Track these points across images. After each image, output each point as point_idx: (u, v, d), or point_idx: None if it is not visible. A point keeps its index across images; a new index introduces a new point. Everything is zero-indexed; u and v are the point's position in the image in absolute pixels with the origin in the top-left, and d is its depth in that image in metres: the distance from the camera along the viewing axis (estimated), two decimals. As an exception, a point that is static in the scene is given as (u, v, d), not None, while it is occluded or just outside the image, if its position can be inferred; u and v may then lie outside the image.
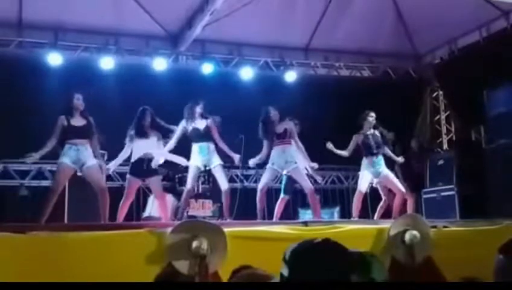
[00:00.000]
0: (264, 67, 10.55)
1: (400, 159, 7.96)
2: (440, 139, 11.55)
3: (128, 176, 6.83)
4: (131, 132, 6.86)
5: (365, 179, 7.51)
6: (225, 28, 9.52)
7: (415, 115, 11.24)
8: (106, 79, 9.15)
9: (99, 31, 9.38)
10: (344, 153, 7.61)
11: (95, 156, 6.34)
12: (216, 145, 7.06)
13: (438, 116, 11.70)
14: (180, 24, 9.65)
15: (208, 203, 8.34)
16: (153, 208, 7.98)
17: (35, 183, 9.15)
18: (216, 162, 6.98)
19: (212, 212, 8.31)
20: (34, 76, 8.79)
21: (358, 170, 8.03)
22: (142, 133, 6.80)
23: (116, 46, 9.49)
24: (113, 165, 6.99)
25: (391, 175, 7.59)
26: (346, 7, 9.90)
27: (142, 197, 8.62)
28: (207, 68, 9.92)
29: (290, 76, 10.43)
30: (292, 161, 7.12)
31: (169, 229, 4.31)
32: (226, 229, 4.39)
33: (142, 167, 6.69)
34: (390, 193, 7.76)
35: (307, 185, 7.12)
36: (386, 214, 7.77)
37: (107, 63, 9.29)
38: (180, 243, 4.17)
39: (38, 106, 8.68)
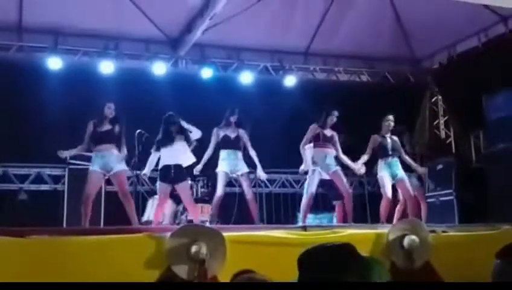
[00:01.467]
0: (263, 71, 10.58)
1: (421, 169, 8.03)
2: (439, 144, 11.55)
3: (158, 182, 6.99)
4: (159, 139, 6.99)
5: (387, 182, 7.41)
6: (225, 33, 9.53)
7: (414, 119, 11.26)
8: (106, 83, 9.16)
9: (99, 35, 9.40)
10: (365, 157, 7.56)
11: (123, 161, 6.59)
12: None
13: (436, 121, 11.72)
14: (179, 28, 9.67)
15: (207, 207, 8.33)
16: (151, 212, 7.98)
17: (34, 187, 9.15)
18: (244, 170, 7.21)
19: (211, 216, 8.30)
20: (34, 80, 8.81)
21: (357, 175, 8.02)
22: (169, 141, 6.92)
23: (116, 51, 9.50)
24: (147, 172, 7.19)
25: (406, 179, 7.54)
26: (345, 12, 9.93)
27: (141, 201, 8.62)
28: (206, 73, 9.93)
29: (290, 80, 10.45)
30: (333, 163, 7.26)
31: (169, 234, 4.31)
32: (225, 234, 4.39)
33: (170, 174, 6.80)
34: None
35: (345, 189, 7.24)
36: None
37: (107, 67, 9.30)
38: (179, 248, 4.17)
39: (38, 110, 8.70)
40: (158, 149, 6.97)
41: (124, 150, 6.59)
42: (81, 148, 6.57)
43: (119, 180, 6.43)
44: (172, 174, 6.79)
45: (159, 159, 7.04)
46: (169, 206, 8.32)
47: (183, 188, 6.92)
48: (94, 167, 6.36)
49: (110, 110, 6.54)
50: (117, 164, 6.39)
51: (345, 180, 7.36)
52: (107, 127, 6.50)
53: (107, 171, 6.37)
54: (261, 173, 7.44)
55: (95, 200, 6.53)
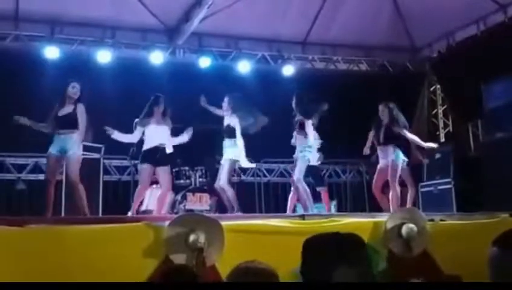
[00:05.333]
0: (261, 61, 10.55)
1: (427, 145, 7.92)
2: (437, 133, 11.56)
3: (140, 165, 6.76)
4: (143, 117, 6.76)
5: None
6: (223, 22, 9.50)
7: (412, 108, 11.25)
8: (103, 72, 9.13)
9: (96, 24, 9.36)
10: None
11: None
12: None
13: (435, 110, 11.71)
14: (177, 17, 9.62)
15: (205, 196, 8.35)
16: (150, 201, 7.98)
17: (32, 177, 9.14)
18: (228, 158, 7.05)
19: (210, 205, 8.32)
20: (31, 69, 8.77)
21: (355, 163, 8.03)
22: (155, 120, 6.74)
23: (113, 40, 9.47)
24: (117, 135, 6.81)
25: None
26: (343, 1, 9.89)
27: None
28: (204, 62, 9.90)
29: (288, 70, 10.42)
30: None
31: (167, 223, 4.31)
32: (223, 223, 4.39)
33: (155, 156, 6.60)
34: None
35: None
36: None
37: (104, 56, 9.27)
38: (177, 237, 4.17)
39: (35, 99, 8.66)
40: (143, 126, 6.72)
41: (84, 134, 6.28)
42: (44, 128, 6.30)
43: (70, 166, 6.09)
44: (158, 155, 6.60)
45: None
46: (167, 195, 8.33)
47: (164, 171, 6.68)
48: (51, 150, 6.12)
49: (74, 90, 6.28)
50: (73, 147, 6.08)
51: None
52: (68, 110, 6.21)
53: (63, 154, 6.09)
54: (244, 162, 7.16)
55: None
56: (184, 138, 6.99)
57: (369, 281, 1.86)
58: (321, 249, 1.86)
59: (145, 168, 6.67)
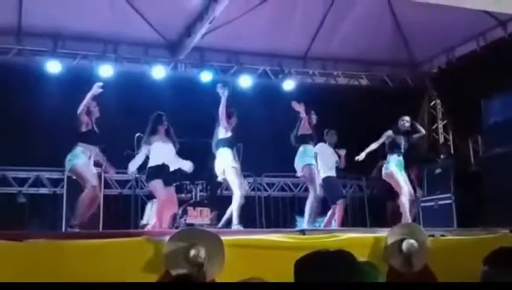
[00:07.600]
0: (262, 75, 10.59)
1: None
2: (438, 148, 11.56)
3: (154, 181, 6.45)
4: (148, 135, 6.68)
5: (401, 178, 7.35)
6: (224, 36, 9.55)
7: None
8: (105, 87, 9.14)
9: (98, 38, 9.41)
10: (373, 146, 7.56)
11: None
12: None
13: (435, 125, 11.73)
14: (179, 32, 9.68)
15: (206, 211, 8.34)
16: (150, 215, 7.98)
17: (33, 190, 9.13)
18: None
19: (210, 220, 8.31)
20: (33, 84, 8.81)
21: (356, 178, 7.94)
22: (160, 137, 6.65)
23: (115, 54, 9.51)
24: (131, 165, 6.88)
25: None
26: (344, 16, 9.95)
27: (140, 204, 8.62)
28: (206, 76, 9.94)
29: (288, 84, 10.46)
30: None
31: (167, 237, 4.31)
32: (223, 238, 4.39)
33: (163, 173, 6.50)
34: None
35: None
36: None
37: (106, 70, 9.30)
38: (177, 252, 4.17)
39: (37, 113, 8.71)
40: (149, 143, 6.62)
41: None
42: None
43: None
44: (165, 174, 6.52)
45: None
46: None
47: (174, 191, 6.73)
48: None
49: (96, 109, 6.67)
50: None
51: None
52: None
53: None
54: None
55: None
56: (187, 165, 6.92)
57: None
58: (313, 269, 1.86)
59: (159, 183, 6.44)
